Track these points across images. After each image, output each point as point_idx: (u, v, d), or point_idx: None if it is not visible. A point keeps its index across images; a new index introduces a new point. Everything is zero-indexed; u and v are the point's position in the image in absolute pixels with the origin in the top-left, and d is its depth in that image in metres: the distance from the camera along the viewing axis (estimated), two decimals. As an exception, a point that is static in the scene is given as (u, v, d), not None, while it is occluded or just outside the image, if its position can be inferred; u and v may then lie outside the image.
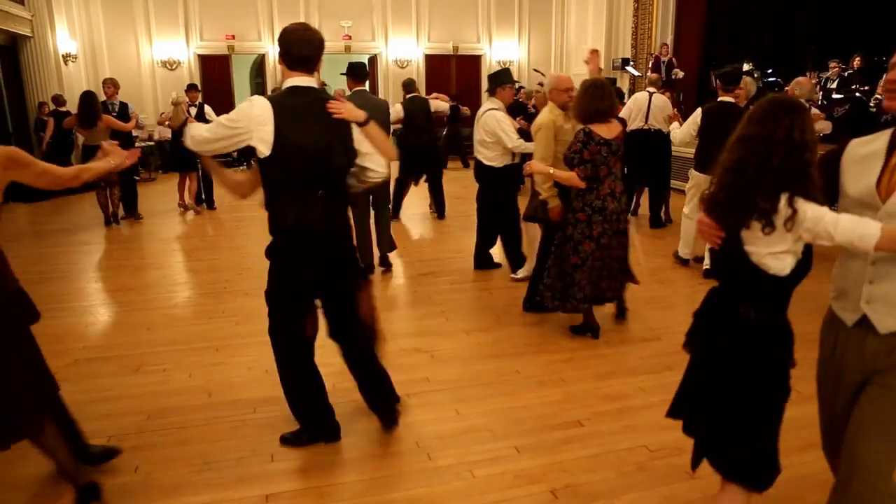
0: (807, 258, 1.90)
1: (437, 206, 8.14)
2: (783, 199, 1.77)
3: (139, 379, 3.65)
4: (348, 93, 5.76)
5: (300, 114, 2.58)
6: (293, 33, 2.61)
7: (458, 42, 14.82)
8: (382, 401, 3.02)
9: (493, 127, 5.14)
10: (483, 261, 5.84)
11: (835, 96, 9.61)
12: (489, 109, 5.22)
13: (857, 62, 10.15)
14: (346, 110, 2.65)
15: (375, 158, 2.75)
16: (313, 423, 2.95)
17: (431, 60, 14.90)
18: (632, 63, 12.95)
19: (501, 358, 3.90)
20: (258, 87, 15.77)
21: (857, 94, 8.97)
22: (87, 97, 7.35)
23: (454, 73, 14.99)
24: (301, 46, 2.60)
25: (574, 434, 3.04)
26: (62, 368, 3.78)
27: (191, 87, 8.97)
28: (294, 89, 2.62)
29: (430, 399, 3.38)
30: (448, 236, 7.27)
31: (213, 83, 13.61)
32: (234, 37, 13.70)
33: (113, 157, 2.59)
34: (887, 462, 1.84)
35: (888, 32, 9.07)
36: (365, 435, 3.03)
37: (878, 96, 8.37)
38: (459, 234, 7.29)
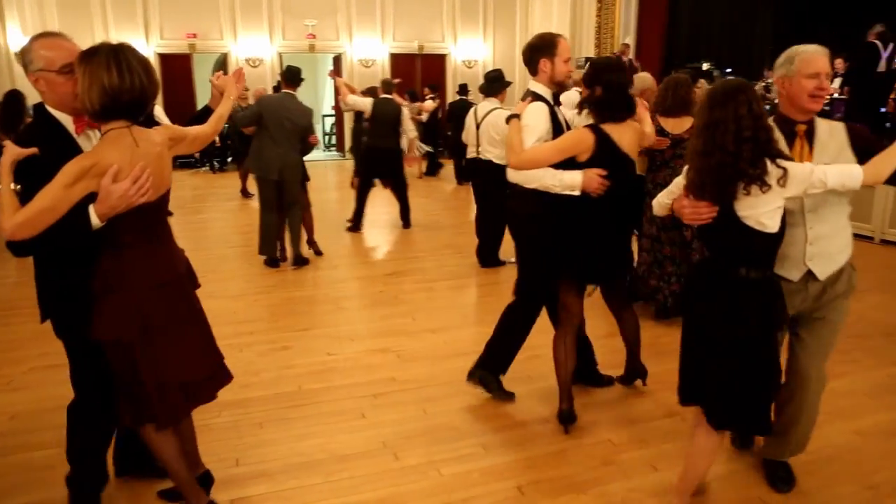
0: (783, 219, 2.20)
1: (403, 214, 7.59)
2: (768, 162, 2.08)
3: (99, 385, 3.57)
4: (281, 92, 6.01)
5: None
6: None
7: (424, 41, 14.80)
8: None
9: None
10: (492, 259, 5.91)
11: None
12: (495, 109, 5.55)
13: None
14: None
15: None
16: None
17: (397, 59, 14.85)
18: (595, 62, 13.09)
19: (468, 356, 3.90)
20: (221, 86, 15.52)
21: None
22: (11, 97, 6.02)
23: (419, 72, 14.97)
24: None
25: (540, 430, 3.07)
26: (19, 375, 3.69)
27: None
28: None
29: (397, 399, 3.38)
30: (413, 236, 7.27)
31: (175, 83, 13.36)
32: (195, 35, 13.46)
33: (229, 90, 2.57)
34: (824, 373, 2.55)
35: (844, 34, 9.33)
36: (331, 437, 3.02)
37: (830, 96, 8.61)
38: (425, 234, 7.30)
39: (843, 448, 2.91)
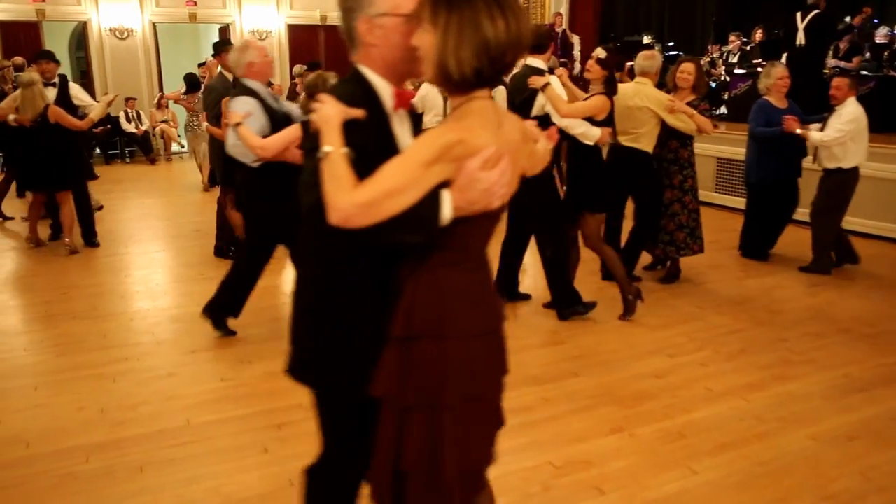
0: None
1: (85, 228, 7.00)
2: None
3: (-68, 432, 3.36)
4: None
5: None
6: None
7: (327, 11, 14.67)
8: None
9: (440, 103, 6.49)
10: None
11: (737, 71, 10.38)
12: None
13: (758, 35, 11.01)
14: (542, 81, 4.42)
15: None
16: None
17: (295, 31, 14.67)
18: (525, 34, 13.34)
19: (388, 375, 3.92)
20: (80, 62, 14.88)
21: (759, 70, 9.74)
22: None
23: (322, 45, 14.84)
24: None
25: (472, 456, 3.11)
26: None
27: (43, 56, 6.97)
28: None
29: (305, 428, 3.32)
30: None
31: (20, 56, 12.70)
32: (45, -1, 12.85)
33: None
34: None
35: (790, 4, 9.92)
36: (227, 478, 2.96)
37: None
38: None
39: (799, 456, 3.10)
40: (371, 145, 1.62)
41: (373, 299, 1.73)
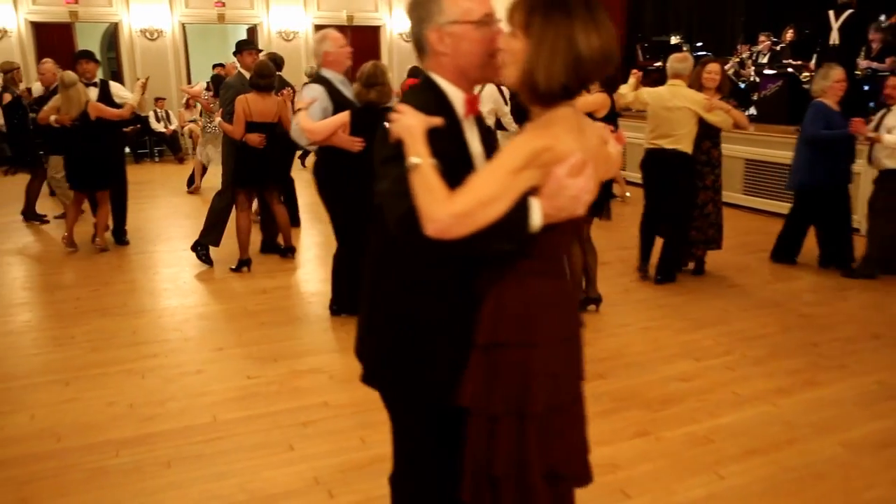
0: None
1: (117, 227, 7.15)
2: None
3: (-34, 424, 3.43)
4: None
5: None
6: None
7: (354, 11, 14.74)
8: None
9: (498, 98, 6.06)
10: None
11: (767, 72, 10.25)
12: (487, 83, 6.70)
13: (789, 35, 10.86)
14: None
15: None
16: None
17: (322, 31, 14.75)
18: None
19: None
20: (111, 62, 15.09)
21: (790, 70, 9.62)
22: None
23: (350, 46, 14.89)
24: None
25: (497, 457, 3.10)
26: None
27: (83, 56, 6.91)
28: None
29: (331, 426, 3.37)
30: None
31: (54, 58, 12.87)
32: (77, 0, 13.04)
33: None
34: None
35: (821, 3, 9.78)
36: (253, 474, 2.98)
37: (809, 74, 9.04)
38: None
39: (830, 463, 3.05)
40: (447, 153, 1.62)
41: (454, 306, 1.75)
